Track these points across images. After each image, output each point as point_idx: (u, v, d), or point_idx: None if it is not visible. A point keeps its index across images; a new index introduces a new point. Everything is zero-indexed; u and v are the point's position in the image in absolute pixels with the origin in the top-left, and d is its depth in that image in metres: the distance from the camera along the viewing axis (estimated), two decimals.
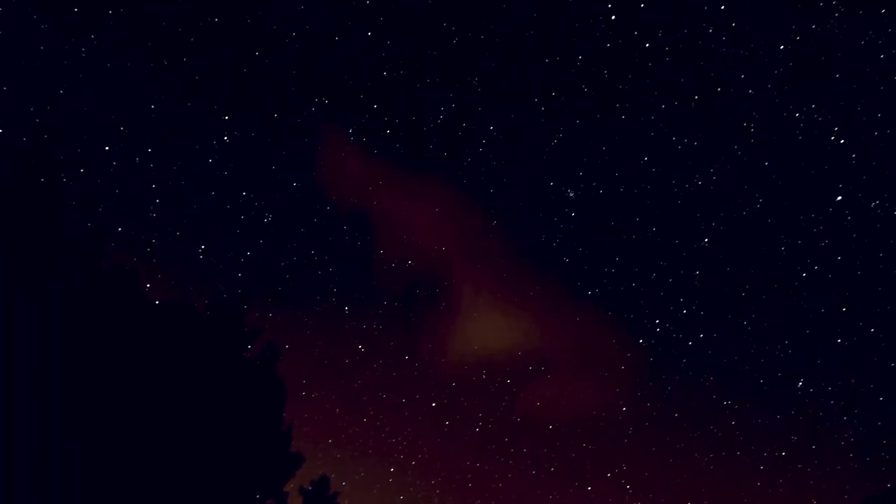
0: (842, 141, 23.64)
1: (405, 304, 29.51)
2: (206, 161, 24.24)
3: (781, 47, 22.59)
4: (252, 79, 23.83)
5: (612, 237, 27.85)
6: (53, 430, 9.37)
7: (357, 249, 27.94)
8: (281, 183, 26.10)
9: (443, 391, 30.42)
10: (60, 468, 9.34)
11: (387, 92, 25.13)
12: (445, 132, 26.46)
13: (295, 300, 27.96)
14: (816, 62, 22.31)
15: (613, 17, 22.89)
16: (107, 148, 22.24)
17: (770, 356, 28.17)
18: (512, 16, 24.06)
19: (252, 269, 26.33)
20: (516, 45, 24.55)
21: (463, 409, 30.63)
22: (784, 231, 26.11)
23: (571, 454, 30.81)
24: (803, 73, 22.62)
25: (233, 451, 10.78)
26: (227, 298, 11.24)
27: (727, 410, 29.02)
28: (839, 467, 28.27)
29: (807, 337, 27.59)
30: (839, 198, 24.73)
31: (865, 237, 25.08)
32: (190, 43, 22.37)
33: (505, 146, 27.17)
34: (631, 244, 27.89)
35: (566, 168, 27.30)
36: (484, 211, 27.87)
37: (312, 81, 24.49)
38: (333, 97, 24.68)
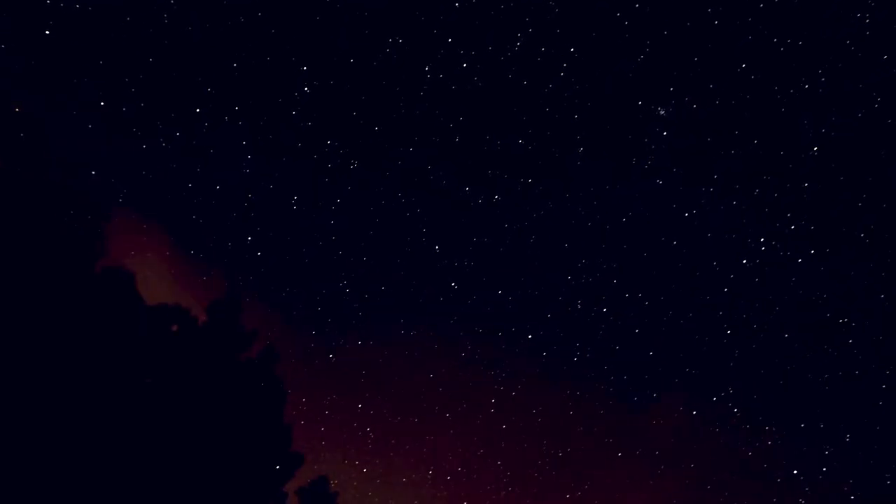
0: None
1: None
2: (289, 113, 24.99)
3: None
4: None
5: (708, 154, 26.21)
6: (53, 430, 9.40)
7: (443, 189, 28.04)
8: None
9: None
10: (60, 468, 9.42)
11: (462, 21, 24.54)
12: (524, 59, 25.60)
13: (384, 243, 28.74)
14: None
15: None
16: (197, 110, 23.37)
17: (891, 270, 25.99)
18: None
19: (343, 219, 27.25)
20: None
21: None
22: None
23: (676, 378, 30.37)
24: None
25: (232, 451, 10.94)
26: (226, 299, 11.47)
27: (843, 329, 27.37)
28: None
29: None
30: None
31: None
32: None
33: (587, 67, 25.89)
34: (730, 159, 26.14)
35: (655, 85, 25.67)
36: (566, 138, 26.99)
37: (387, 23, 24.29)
38: (407, 36, 24.46)
